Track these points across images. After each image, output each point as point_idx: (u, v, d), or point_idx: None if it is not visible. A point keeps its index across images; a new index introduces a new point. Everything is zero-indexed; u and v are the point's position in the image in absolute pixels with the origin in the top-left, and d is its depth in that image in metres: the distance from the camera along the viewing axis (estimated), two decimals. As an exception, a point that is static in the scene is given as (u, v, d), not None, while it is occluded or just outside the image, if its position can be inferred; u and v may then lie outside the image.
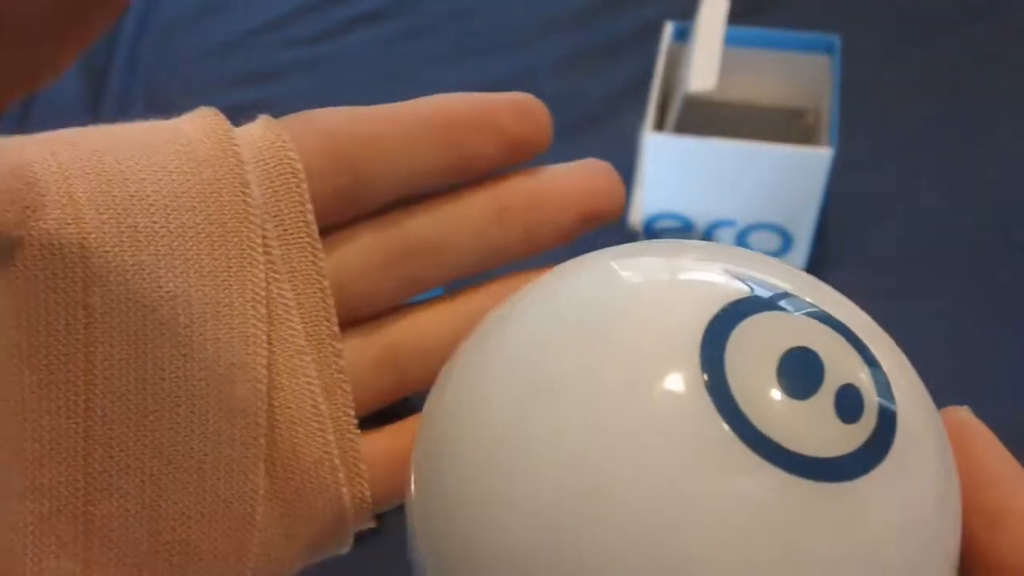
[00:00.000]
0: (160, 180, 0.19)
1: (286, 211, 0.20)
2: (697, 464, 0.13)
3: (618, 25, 0.81)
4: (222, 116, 0.20)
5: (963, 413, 0.17)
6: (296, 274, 0.20)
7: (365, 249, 0.21)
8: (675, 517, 0.13)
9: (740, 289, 0.15)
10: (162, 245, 0.18)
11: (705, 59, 0.59)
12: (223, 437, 0.18)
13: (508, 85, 0.85)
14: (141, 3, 0.86)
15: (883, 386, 0.14)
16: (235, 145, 0.19)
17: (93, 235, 0.18)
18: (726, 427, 0.13)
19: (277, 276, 0.19)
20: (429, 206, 0.22)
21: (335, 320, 0.20)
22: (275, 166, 0.20)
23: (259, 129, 0.20)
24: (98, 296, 0.18)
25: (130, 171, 0.18)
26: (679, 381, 0.14)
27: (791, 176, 0.58)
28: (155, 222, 0.18)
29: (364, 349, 0.21)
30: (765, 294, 0.15)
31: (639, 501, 0.13)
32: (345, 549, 0.21)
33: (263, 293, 0.19)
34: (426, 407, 0.17)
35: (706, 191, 0.60)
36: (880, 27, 0.79)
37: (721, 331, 0.14)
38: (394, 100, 0.23)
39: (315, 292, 0.20)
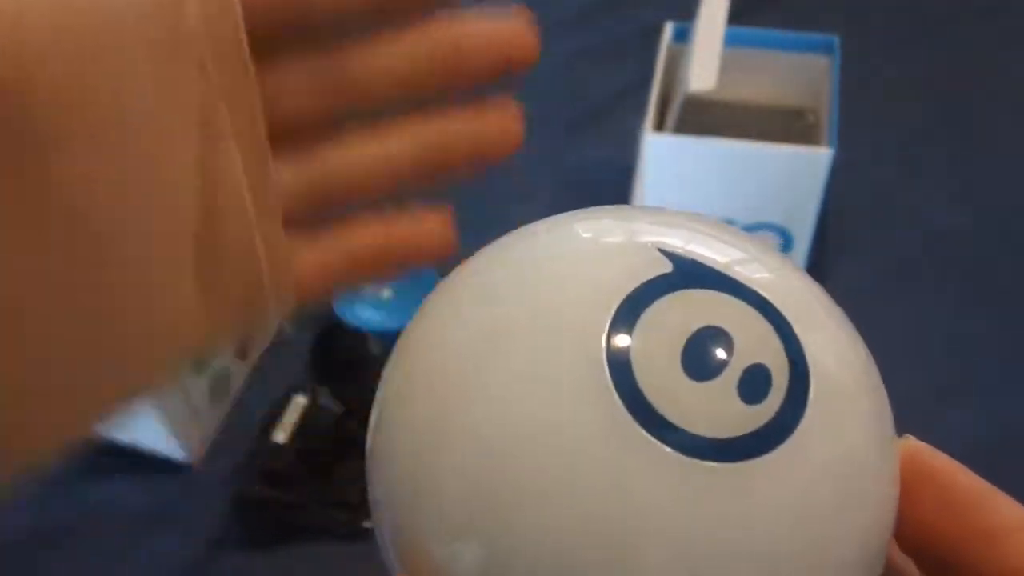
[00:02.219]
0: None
1: (221, 33, 0.20)
2: (597, 443, 0.14)
3: (618, 26, 0.81)
4: None
5: (913, 442, 0.17)
6: (230, 94, 0.21)
7: (295, 75, 0.22)
8: (581, 486, 0.14)
9: (661, 267, 0.15)
10: (106, 62, 0.19)
11: (705, 59, 0.58)
12: (154, 231, 0.20)
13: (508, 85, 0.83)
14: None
15: (798, 367, 0.14)
16: None
17: (37, 45, 0.18)
18: (623, 408, 0.14)
19: (211, 95, 0.20)
20: (360, 45, 0.23)
21: (265, 137, 0.21)
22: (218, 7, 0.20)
23: None
24: (42, 97, 0.18)
25: None
26: (583, 359, 0.14)
27: (791, 176, 0.58)
28: (98, 39, 0.19)
29: (293, 168, 0.23)
30: (690, 271, 0.15)
31: (551, 475, 0.14)
32: (266, 336, 0.23)
33: (197, 111, 0.20)
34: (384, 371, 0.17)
35: (706, 191, 0.60)
36: (880, 27, 0.79)
37: (634, 309, 0.14)
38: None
39: (247, 110, 0.21)
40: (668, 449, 0.14)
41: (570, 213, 0.17)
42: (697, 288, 0.15)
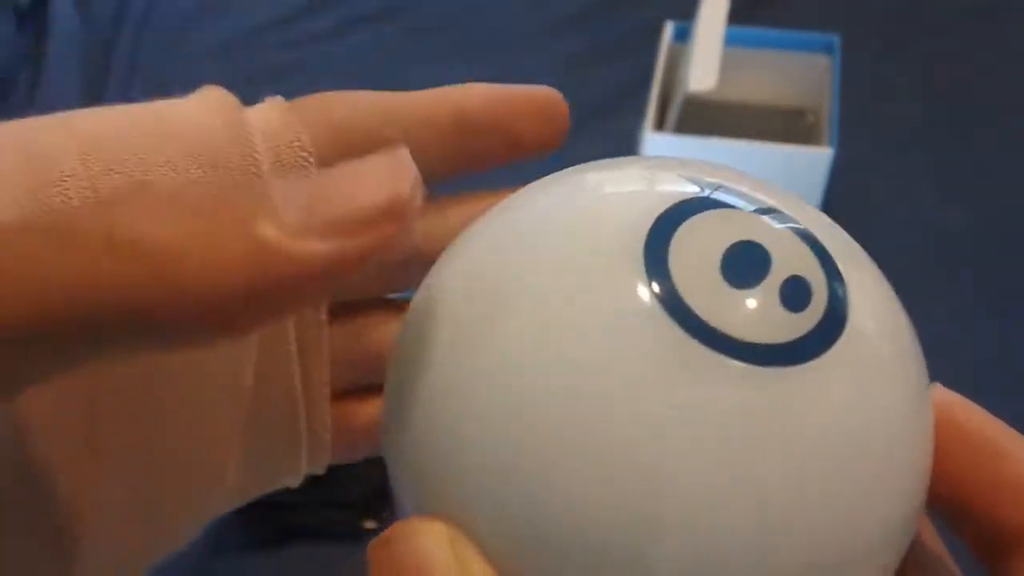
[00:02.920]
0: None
1: None
2: (646, 362, 0.14)
3: (618, 25, 0.81)
4: (234, 103, 0.20)
5: (942, 391, 0.17)
6: None
7: None
8: (636, 419, 0.13)
9: (690, 190, 0.15)
10: None
11: (705, 59, 0.58)
12: (208, 410, 0.20)
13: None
14: (141, 3, 0.86)
15: (835, 280, 0.14)
16: (254, 152, 0.19)
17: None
18: (669, 320, 0.14)
19: None
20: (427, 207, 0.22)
21: (325, 319, 0.21)
22: (291, 168, 0.20)
23: (274, 120, 0.20)
24: None
25: (148, 170, 0.18)
26: (623, 282, 0.14)
27: (791, 176, 0.58)
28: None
29: (341, 337, 0.22)
30: (718, 195, 0.15)
31: (597, 408, 0.14)
32: (295, 482, 0.23)
33: None
34: (403, 326, 0.17)
35: (706, 191, 0.60)
36: (880, 27, 0.79)
37: (666, 229, 0.14)
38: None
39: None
40: (721, 356, 0.14)
41: (584, 165, 0.17)
42: (729, 208, 0.15)
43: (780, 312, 0.14)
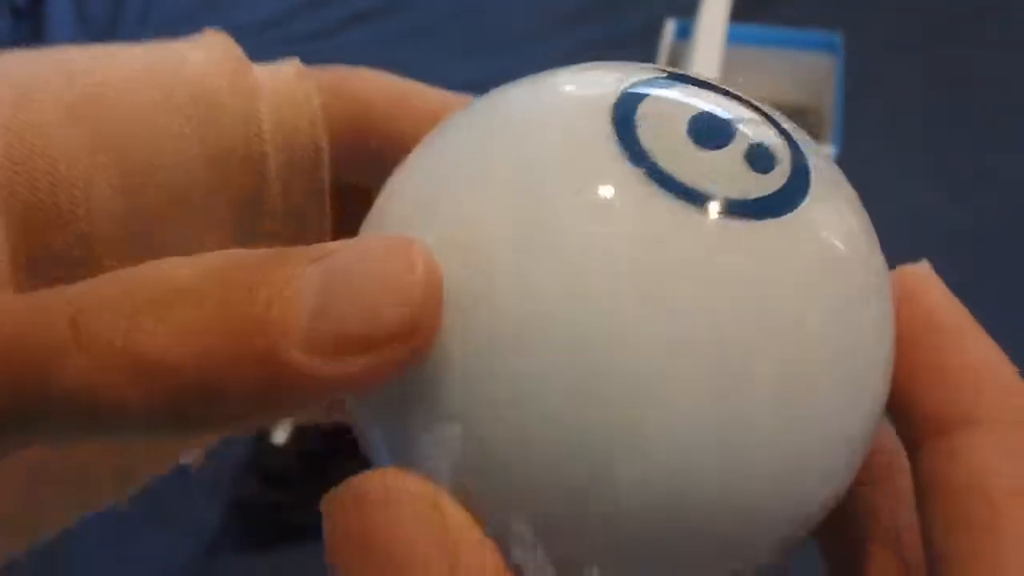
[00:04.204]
0: (174, 153, 0.18)
1: (300, 197, 0.20)
2: (632, 222, 0.14)
3: (619, 23, 0.81)
4: (239, 56, 0.20)
5: (905, 270, 0.17)
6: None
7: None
8: (616, 250, 0.13)
9: (654, 71, 0.16)
10: (169, 228, 0.18)
11: (707, 57, 0.58)
12: None
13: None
14: (139, 3, 0.86)
15: (796, 149, 0.15)
16: (258, 113, 0.19)
17: (97, 207, 0.17)
18: (653, 186, 0.14)
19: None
20: None
21: None
22: (300, 151, 0.19)
23: (285, 81, 0.19)
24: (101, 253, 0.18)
25: (143, 137, 0.18)
26: (599, 162, 0.14)
27: (793, 175, 0.58)
28: (162, 200, 0.18)
29: None
30: (686, 79, 0.15)
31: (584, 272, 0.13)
32: None
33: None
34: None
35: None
36: (882, 25, 0.79)
37: (630, 104, 0.15)
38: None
39: None
40: (682, 204, 0.14)
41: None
42: (691, 86, 0.15)
43: (749, 171, 0.14)
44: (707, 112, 0.15)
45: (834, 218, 0.15)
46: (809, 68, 0.65)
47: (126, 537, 0.56)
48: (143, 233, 0.18)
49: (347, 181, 0.20)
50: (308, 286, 0.13)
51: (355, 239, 0.14)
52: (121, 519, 0.58)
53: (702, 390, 0.13)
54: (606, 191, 0.14)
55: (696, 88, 0.15)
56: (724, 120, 0.15)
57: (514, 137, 0.15)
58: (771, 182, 0.14)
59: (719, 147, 0.14)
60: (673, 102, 0.15)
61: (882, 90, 0.73)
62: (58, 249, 0.17)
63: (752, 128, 0.15)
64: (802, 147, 0.15)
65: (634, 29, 0.78)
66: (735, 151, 0.14)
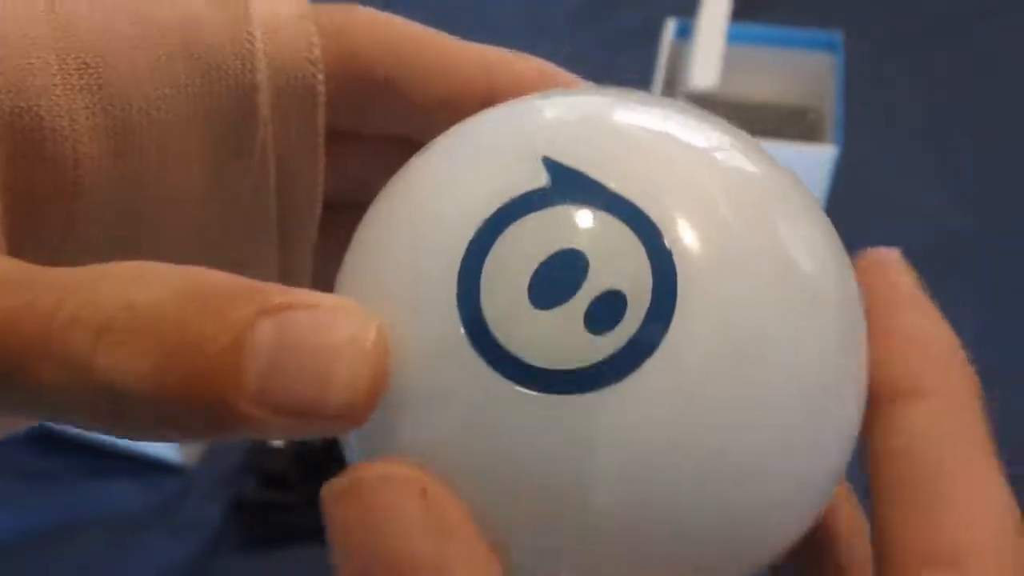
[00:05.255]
0: (165, 100, 0.18)
1: (294, 143, 0.20)
2: (446, 370, 0.14)
3: (619, 22, 0.81)
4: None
5: (889, 253, 0.17)
6: (293, 181, 0.20)
7: (353, 162, 0.21)
8: (441, 406, 0.14)
9: (536, 180, 0.14)
10: (158, 172, 0.18)
11: (707, 57, 0.58)
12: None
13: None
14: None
15: (663, 288, 0.14)
16: (253, 58, 0.18)
17: (86, 150, 0.17)
18: (464, 333, 0.14)
19: (264, 189, 0.20)
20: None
21: (315, 230, 0.21)
22: (295, 94, 0.19)
23: (286, 23, 0.19)
24: (83, 202, 0.18)
25: (133, 85, 0.18)
26: (438, 282, 0.14)
27: (794, 174, 0.58)
28: (151, 144, 0.18)
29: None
30: (568, 184, 0.14)
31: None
32: None
33: (246, 201, 0.20)
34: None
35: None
36: (882, 25, 0.79)
37: (494, 230, 0.14)
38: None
39: (306, 197, 0.20)
40: (505, 380, 0.14)
41: (509, 102, 0.17)
42: (569, 204, 0.14)
43: (582, 334, 0.13)
44: (561, 253, 0.14)
45: (694, 371, 0.14)
46: (809, 68, 0.65)
47: (126, 537, 0.56)
48: (129, 169, 0.18)
49: (340, 127, 0.20)
50: (262, 341, 0.13)
51: (310, 296, 0.14)
52: (121, 519, 0.58)
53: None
54: (437, 354, 0.14)
55: (570, 202, 0.14)
56: (577, 262, 0.14)
57: (397, 244, 0.15)
58: (608, 344, 0.13)
59: (559, 303, 0.14)
60: (530, 239, 0.14)
61: (882, 90, 0.73)
62: (43, 188, 0.17)
63: (609, 266, 0.14)
64: (687, 263, 0.14)
65: (634, 28, 0.78)
66: (575, 308, 0.14)
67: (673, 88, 0.62)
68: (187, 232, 0.19)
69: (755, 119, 0.65)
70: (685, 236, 0.14)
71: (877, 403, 0.15)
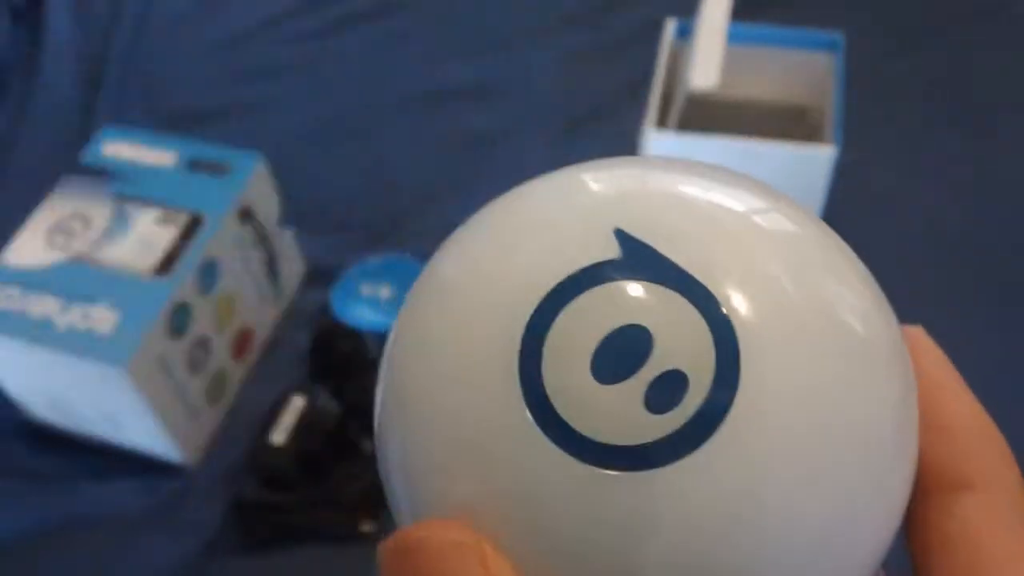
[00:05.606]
0: None
1: None
2: (502, 440, 0.14)
3: (620, 22, 0.81)
4: None
5: (915, 332, 0.17)
6: None
7: None
8: (490, 475, 0.14)
9: (607, 252, 0.15)
10: None
11: (707, 56, 0.58)
12: None
13: (508, 84, 0.85)
14: (139, 1, 0.86)
15: (726, 368, 0.14)
16: None
17: None
18: (524, 403, 0.14)
19: None
20: None
21: None
22: None
23: None
24: None
25: None
26: (499, 352, 0.14)
27: (794, 174, 0.58)
28: None
29: None
30: (637, 259, 0.14)
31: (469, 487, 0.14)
32: None
33: None
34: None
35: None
36: (883, 25, 0.79)
37: (560, 299, 0.14)
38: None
39: None
40: (560, 452, 0.14)
41: (565, 169, 0.17)
42: (637, 280, 0.14)
43: (642, 412, 0.14)
44: (624, 330, 0.14)
45: (756, 447, 0.14)
46: (810, 67, 0.65)
47: (126, 537, 0.56)
48: None
49: None
50: None
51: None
52: (121, 519, 0.58)
53: None
54: (496, 423, 0.14)
55: (634, 278, 0.14)
56: (638, 340, 0.14)
57: (441, 343, 0.15)
58: (667, 424, 0.14)
59: (622, 379, 0.14)
60: (592, 314, 0.14)
61: (883, 90, 0.73)
62: None
63: (673, 346, 0.14)
64: (751, 347, 0.14)
65: (634, 29, 0.78)
66: (636, 386, 0.14)
67: (673, 89, 0.62)
68: None
69: (755, 119, 0.65)
70: (744, 310, 0.14)
71: (928, 491, 0.16)
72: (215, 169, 0.59)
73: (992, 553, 0.15)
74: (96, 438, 0.59)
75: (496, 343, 0.14)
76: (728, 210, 0.15)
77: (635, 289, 0.14)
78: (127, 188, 0.58)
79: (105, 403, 0.55)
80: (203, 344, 0.57)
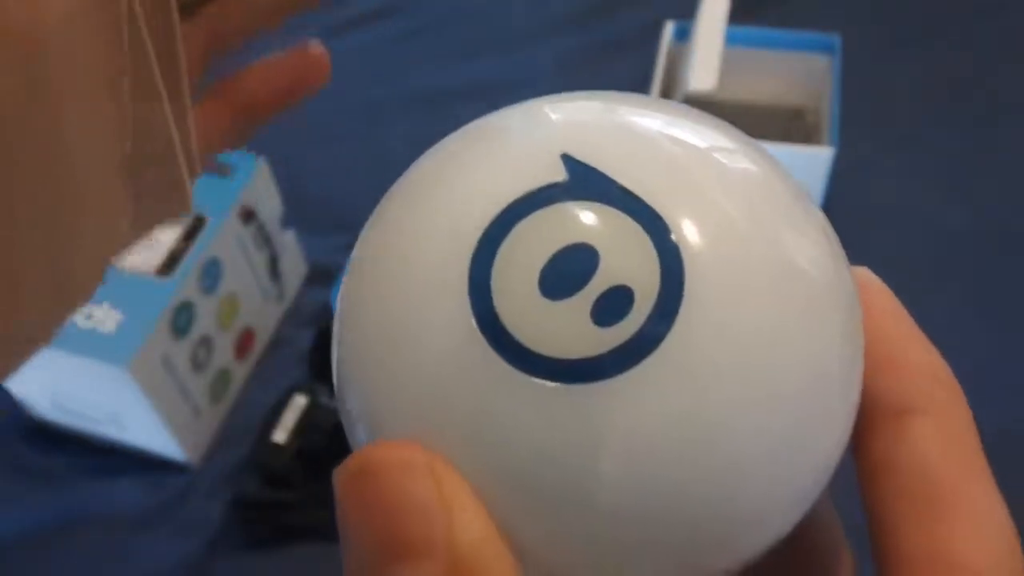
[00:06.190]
0: None
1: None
2: (453, 358, 0.14)
3: (618, 25, 0.81)
4: None
5: (865, 274, 0.18)
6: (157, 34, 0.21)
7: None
8: (445, 397, 0.14)
9: (553, 175, 0.15)
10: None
11: (705, 59, 0.58)
12: (88, 143, 0.21)
13: (508, 85, 0.85)
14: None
15: (671, 284, 0.14)
16: None
17: None
18: (474, 321, 0.14)
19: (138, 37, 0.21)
20: None
21: (177, 21, 0.22)
22: None
23: None
24: None
25: None
26: (448, 273, 0.15)
27: (792, 175, 0.58)
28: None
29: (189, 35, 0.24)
30: (583, 182, 0.15)
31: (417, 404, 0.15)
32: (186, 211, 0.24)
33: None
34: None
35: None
36: (880, 27, 0.79)
37: (508, 222, 0.15)
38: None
39: (171, 52, 0.22)
40: (510, 367, 0.14)
41: (530, 101, 0.17)
42: (583, 200, 0.15)
43: (589, 326, 0.14)
44: (571, 249, 0.14)
45: (700, 362, 0.14)
46: (808, 69, 0.66)
47: (129, 535, 0.57)
48: None
49: None
50: None
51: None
52: (124, 517, 0.58)
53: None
54: (448, 341, 0.14)
55: (588, 198, 0.15)
56: (585, 258, 0.14)
57: (392, 268, 0.16)
58: (613, 337, 0.14)
59: (569, 294, 0.14)
60: (539, 236, 0.14)
61: (881, 91, 0.74)
62: None
63: (619, 262, 0.14)
64: (687, 264, 0.14)
65: (633, 30, 0.79)
66: (583, 301, 0.14)
67: (672, 90, 0.63)
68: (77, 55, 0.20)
69: (753, 121, 0.65)
70: (693, 235, 0.14)
71: (877, 418, 0.16)
72: (217, 170, 0.60)
73: (943, 473, 0.15)
74: (99, 437, 0.59)
75: (446, 265, 0.15)
76: (685, 143, 0.16)
77: (582, 210, 0.15)
78: (130, 189, 0.59)
79: (108, 402, 0.55)
80: (206, 343, 0.58)
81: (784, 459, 0.15)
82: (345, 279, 0.17)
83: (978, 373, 0.59)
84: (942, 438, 0.16)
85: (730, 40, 0.61)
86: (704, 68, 0.58)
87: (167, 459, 0.58)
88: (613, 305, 0.14)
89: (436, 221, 0.15)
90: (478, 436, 0.14)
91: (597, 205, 0.15)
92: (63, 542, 0.57)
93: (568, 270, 0.14)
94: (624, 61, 0.76)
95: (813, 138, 0.63)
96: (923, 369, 0.16)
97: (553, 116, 0.16)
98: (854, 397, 0.16)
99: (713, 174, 0.15)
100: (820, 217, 0.16)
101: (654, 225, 0.14)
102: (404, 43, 0.82)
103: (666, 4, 0.72)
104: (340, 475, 0.14)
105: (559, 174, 0.15)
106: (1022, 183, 0.69)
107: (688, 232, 0.14)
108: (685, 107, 0.17)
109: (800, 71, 0.66)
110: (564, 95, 0.17)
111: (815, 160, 0.57)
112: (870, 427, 0.16)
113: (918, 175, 0.70)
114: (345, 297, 0.16)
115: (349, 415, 0.16)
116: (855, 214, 0.66)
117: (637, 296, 0.14)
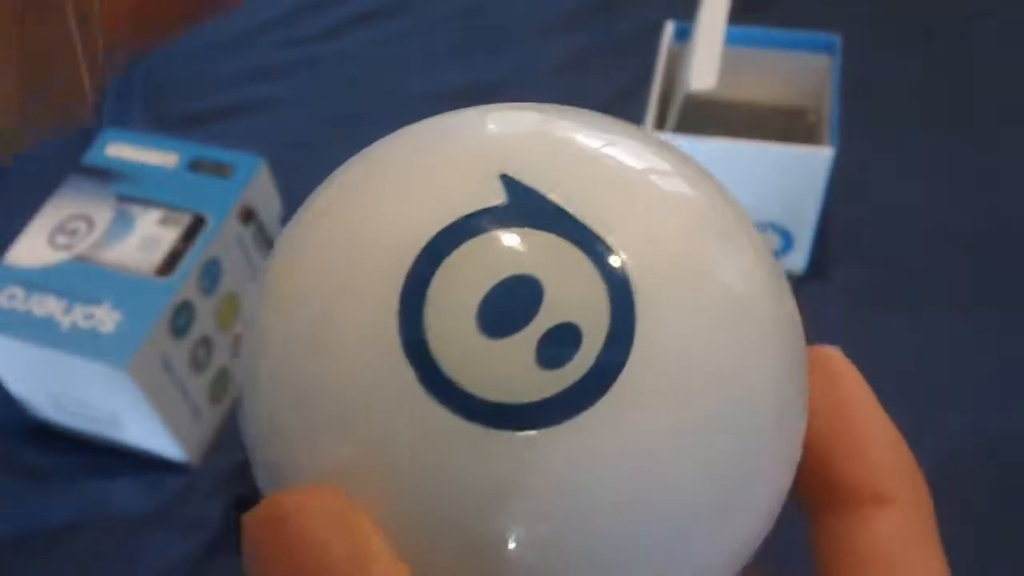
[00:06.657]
0: None
1: None
2: (382, 397, 0.13)
3: (618, 25, 0.81)
4: None
5: (830, 352, 0.17)
6: None
7: None
8: (369, 432, 0.13)
9: (492, 198, 0.14)
10: None
11: (705, 58, 0.58)
12: None
13: (508, 85, 0.85)
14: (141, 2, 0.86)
15: (621, 322, 0.13)
16: None
17: None
18: (405, 360, 0.13)
19: None
20: None
21: None
22: None
23: None
24: None
25: None
26: (378, 305, 0.13)
27: (792, 176, 0.58)
28: None
29: None
30: (524, 205, 0.13)
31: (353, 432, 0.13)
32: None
33: None
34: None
35: (706, 191, 0.60)
36: (881, 26, 0.79)
37: (442, 248, 0.13)
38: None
39: None
40: (444, 410, 0.13)
41: (458, 111, 0.16)
42: (525, 227, 0.13)
43: (532, 368, 0.13)
44: (512, 281, 0.13)
45: (648, 407, 0.13)
46: (808, 69, 0.65)
47: (129, 535, 0.57)
48: None
49: None
50: None
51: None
52: (124, 517, 0.58)
53: None
54: (372, 374, 0.13)
55: (530, 225, 0.13)
56: (528, 292, 0.13)
57: (310, 299, 0.14)
58: (559, 380, 0.13)
59: (511, 333, 0.13)
60: (480, 262, 0.13)
61: (881, 91, 0.74)
62: None
63: (566, 297, 0.13)
64: (639, 301, 0.13)
65: (633, 31, 0.79)
66: (527, 340, 0.13)
67: (672, 90, 0.63)
68: None
69: (753, 121, 0.65)
70: (643, 268, 0.13)
71: (838, 507, 0.16)
72: (217, 170, 0.60)
73: (906, 569, 0.16)
74: (99, 437, 0.59)
75: (373, 298, 0.13)
76: (624, 164, 0.15)
77: (523, 237, 0.13)
78: (129, 189, 0.59)
79: (108, 402, 0.55)
80: (205, 344, 0.58)
81: (722, 512, 0.14)
82: (256, 301, 0.15)
83: (978, 374, 0.59)
84: (907, 531, 0.16)
85: (730, 40, 0.61)
86: (704, 68, 0.58)
87: (167, 459, 0.58)
88: (559, 344, 0.13)
89: (361, 252, 0.14)
90: (408, 484, 0.13)
91: (537, 232, 0.13)
92: (63, 542, 0.56)
93: (509, 306, 0.13)
94: (624, 61, 0.76)
95: (813, 138, 0.63)
96: (888, 459, 0.16)
97: (494, 129, 0.15)
98: (799, 434, 0.15)
99: (654, 197, 0.14)
100: (758, 240, 0.16)
101: (602, 256, 0.13)
102: (403, 43, 0.82)
103: (666, 4, 0.72)
104: (250, 522, 0.13)
105: (498, 196, 0.14)
106: (1022, 183, 0.69)
107: (633, 259, 0.13)
108: (635, 127, 0.16)
109: (800, 71, 0.66)
110: (507, 105, 0.16)
111: (815, 160, 0.57)
112: (832, 511, 0.16)
113: (918, 175, 0.70)
114: (256, 328, 0.15)
115: (259, 455, 0.14)
116: (855, 214, 0.66)
117: (585, 334, 0.13)
